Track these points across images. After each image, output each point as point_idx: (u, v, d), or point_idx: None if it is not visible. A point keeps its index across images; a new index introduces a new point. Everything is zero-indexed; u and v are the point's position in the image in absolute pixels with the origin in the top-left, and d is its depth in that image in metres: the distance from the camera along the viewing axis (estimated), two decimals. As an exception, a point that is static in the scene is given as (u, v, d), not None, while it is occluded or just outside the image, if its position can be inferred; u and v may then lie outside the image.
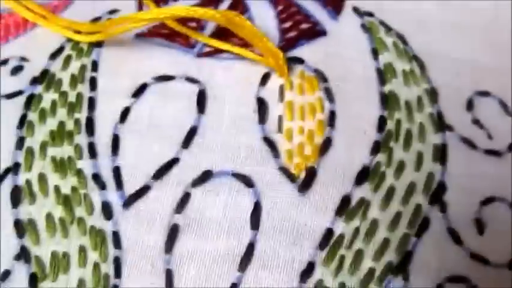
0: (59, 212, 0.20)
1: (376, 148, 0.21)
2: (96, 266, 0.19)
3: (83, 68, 0.23)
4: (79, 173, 0.21)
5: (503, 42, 0.25)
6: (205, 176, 0.20)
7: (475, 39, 0.25)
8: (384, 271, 0.19)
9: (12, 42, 0.25)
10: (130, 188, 0.20)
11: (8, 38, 0.25)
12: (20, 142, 0.22)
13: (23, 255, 0.20)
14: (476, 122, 0.23)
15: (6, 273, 0.19)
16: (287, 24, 0.24)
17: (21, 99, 0.23)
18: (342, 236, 0.20)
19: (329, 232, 0.20)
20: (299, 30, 0.24)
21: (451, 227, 0.20)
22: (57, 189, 0.21)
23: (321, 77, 0.23)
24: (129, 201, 0.20)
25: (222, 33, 0.24)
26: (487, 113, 0.23)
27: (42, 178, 0.21)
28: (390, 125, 0.22)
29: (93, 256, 0.19)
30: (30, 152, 0.21)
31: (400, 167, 0.21)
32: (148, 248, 0.19)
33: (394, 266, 0.19)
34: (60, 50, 0.24)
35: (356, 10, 0.25)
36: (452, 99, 0.23)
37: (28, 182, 0.21)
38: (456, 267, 0.20)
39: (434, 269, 0.20)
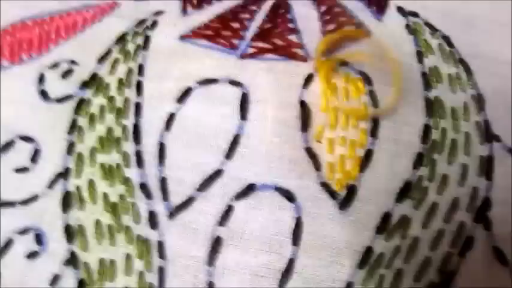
0: (107, 219, 0.21)
1: (419, 161, 0.20)
2: (141, 275, 0.20)
3: (130, 71, 0.23)
4: (127, 181, 0.21)
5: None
6: (248, 189, 0.20)
7: None
8: None
9: (62, 45, 0.25)
10: (176, 198, 0.21)
11: (58, 40, 0.25)
12: (70, 147, 0.22)
13: (73, 260, 0.20)
14: None
15: (56, 278, 0.20)
16: (331, 27, 0.24)
17: (71, 104, 0.23)
18: (382, 255, 0.19)
19: (369, 250, 0.19)
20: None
21: (496, 245, 0.20)
22: (105, 196, 0.21)
23: (366, 79, 0.22)
24: (174, 212, 0.20)
25: (265, 34, 0.23)
26: None
27: (91, 185, 0.21)
28: (435, 134, 0.21)
29: (138, 265, 0.20)
30: (80, 158, 0.22)
31: (444, 182, 0.20)
32: (191, 260, 0.20)
33: (436, 285, 0.19)
34: (108, 53, 0.24)
35: (400, 10, 0.24)
36: (500, 106, 0.22)
37: (78, 188, 0.21)
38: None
39: None
